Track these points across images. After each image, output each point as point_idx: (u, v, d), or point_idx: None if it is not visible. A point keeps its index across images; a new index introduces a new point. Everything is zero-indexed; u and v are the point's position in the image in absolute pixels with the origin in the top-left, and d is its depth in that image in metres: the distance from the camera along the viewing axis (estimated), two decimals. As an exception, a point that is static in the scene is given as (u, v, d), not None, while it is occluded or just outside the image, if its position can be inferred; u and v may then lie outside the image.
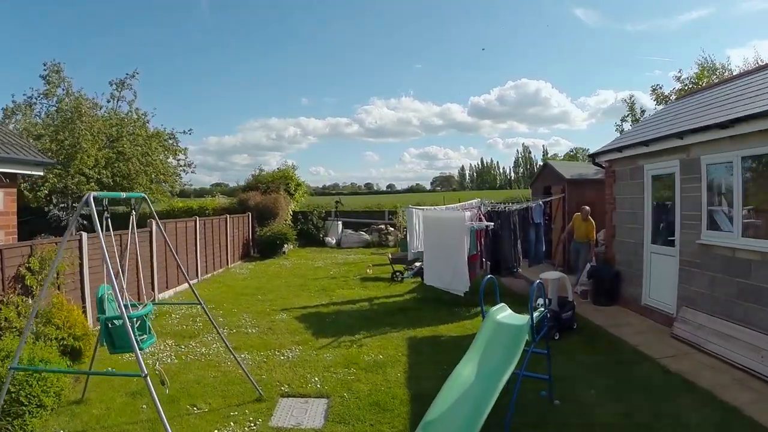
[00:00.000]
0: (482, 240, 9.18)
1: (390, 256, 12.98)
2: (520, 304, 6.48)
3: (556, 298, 6.96)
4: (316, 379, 5.50)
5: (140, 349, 3.64)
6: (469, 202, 13.82)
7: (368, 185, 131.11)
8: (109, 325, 3.58)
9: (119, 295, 3.28)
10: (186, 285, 11.34)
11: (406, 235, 14.61)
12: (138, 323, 3.74)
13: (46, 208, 15.94)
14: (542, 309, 4.72)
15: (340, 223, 20.98)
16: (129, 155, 16.92)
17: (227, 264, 14.39)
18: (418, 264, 11.63)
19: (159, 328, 7.69)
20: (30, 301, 5.59)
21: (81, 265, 7.19)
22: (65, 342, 5.39)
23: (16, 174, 6.55)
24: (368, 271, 13.10)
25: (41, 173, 6.66)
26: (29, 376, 4.15)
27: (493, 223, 9.28)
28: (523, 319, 4.55)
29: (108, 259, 3.40)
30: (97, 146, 16.17)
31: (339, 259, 16.45)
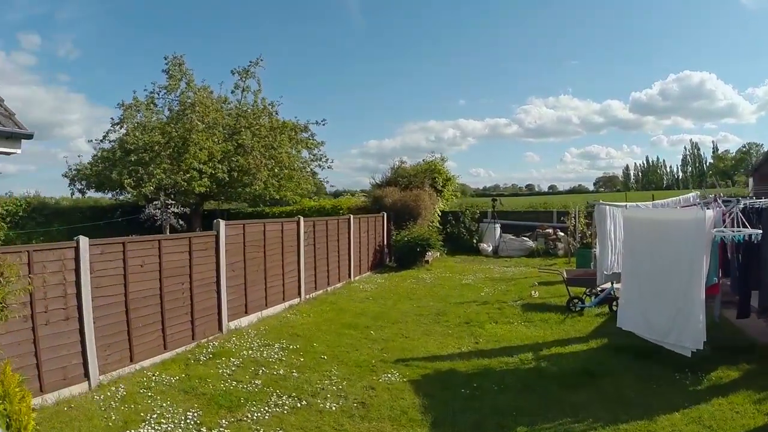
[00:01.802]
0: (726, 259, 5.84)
1: (565, 274, 8.85)
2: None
3: None
4: None
5: None
6: (683, 197, 10.01)
7: (529, 186, 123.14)
8: None
9: None
10: (284, 305, 8.58)
11: (592, 243, 10.69)
12: None
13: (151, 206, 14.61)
14: None
15: (498, 226, 17.16)
16: (249, 148, 15.31)
17: (349, 277, 11.64)
18: (605, 286, 8.24)
19: (195, 382, 5.03)
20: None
21: (78, 291, 4.89)
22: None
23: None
24: (533, 293, 9.71)
25: (18, 150, 4.36)
26: None
27: (761, 231, 5.44)
28: None
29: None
30: (213, 139, 14.79)
31: (495, 272, 12.84)
